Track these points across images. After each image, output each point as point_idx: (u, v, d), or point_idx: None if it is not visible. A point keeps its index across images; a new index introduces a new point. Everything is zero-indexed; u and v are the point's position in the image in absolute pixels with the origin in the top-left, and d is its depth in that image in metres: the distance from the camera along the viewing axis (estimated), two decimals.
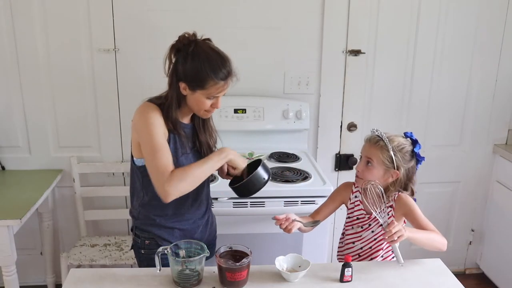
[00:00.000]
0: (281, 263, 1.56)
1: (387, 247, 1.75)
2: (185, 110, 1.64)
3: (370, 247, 1.76)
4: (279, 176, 2.26)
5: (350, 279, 1.53)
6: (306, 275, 1.54)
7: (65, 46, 2.49)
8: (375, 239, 1.75)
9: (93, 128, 2.63)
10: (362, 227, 1.77)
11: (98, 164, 2.64)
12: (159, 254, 1.49)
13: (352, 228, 1.80)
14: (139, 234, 1.71)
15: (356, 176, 1.75)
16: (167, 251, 1.47)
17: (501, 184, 2.88)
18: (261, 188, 1.66)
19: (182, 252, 1.50)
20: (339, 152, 2.84)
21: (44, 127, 2.60)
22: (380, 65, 2.71)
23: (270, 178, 1.69)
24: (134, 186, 1.70)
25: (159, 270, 1.51)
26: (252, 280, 1.51)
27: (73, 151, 2.63)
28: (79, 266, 2.41)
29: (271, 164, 2.43)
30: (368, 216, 1.76)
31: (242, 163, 1.66)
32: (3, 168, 2.63)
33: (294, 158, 2.54)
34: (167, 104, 1.58)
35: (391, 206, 1.72)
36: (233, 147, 2.56)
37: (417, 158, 1.74)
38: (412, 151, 1.72)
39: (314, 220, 1.78)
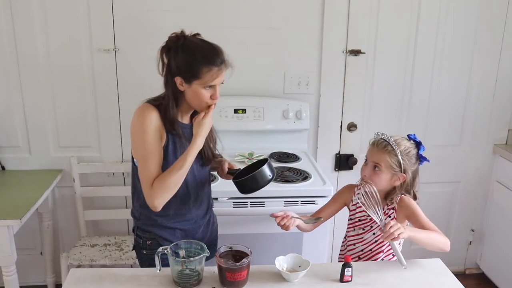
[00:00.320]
0: (281, 263, 1.56)
1: (388, 250, 1.75)
2: (184, 108, 1.64)
3: (371, 249, 1.77)
4: (279, 176, 2.26)
5: (350, 279, 1.53)
6: (306, 275, 1.54)
7: (65, 46, 2.49)
8: (376, 241, 1.75)
9: (93, 128, 2.63)
10: (363, 229, 1.77)
11: (98, 164, 2.64)
12: (159, 254, 1.50)
13: (354, 229, 1.80)
14: (141, 234, 1.71)
15: (362, 180, 1.74)
16: (167, 251, 1.47)
17: (501, 184, 2.88)
18: (264, 186, 1.65)
19: (182, 252, 1.50)
20: (339, 152, 2.84)
21: (44, 127, 2.60)
22: (380, 65, 2.71)
23: (274, 178, 1.68)
24: (135, 187, 1.70)
25: (159, 270, 1.51)
26: (252, 280, 1.51)
27: (73, 151, 2.63)
28: (79, 266, 2.41)
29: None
30: (370, 218, 1.75)
31: (209, 123, 1.60)
32: (3, 168, 2.63)
33: (294, 158, 2.54)
34: (164, 104, 1.59)
35: (393, 209, 1.72)
36: (233, 147, 2.60)
37: (421, 159, 1.75)
38: (417, 153, 1.73)
39: (316, 216, 1.78)
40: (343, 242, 1.88)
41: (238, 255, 1.50)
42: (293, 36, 2.62)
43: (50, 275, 2.75)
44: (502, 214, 2.87)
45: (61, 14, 2.45)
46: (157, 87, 1.67)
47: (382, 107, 2.79)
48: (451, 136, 2.90)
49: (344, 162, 2.85)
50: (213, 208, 1.89)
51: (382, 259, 1.76)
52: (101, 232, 2.79)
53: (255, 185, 1.64)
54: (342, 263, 1.54)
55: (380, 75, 2.73)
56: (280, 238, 2.14)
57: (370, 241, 1.76)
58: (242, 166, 1.78)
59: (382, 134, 1.72)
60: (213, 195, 1.94)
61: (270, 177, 1.65)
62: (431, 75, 2.76)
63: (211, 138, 1.74)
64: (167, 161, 1.60)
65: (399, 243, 1.71)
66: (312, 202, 2.15)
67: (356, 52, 2.67)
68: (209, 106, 1.61)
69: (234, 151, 2.56)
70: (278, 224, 1.66)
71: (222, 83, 1.61)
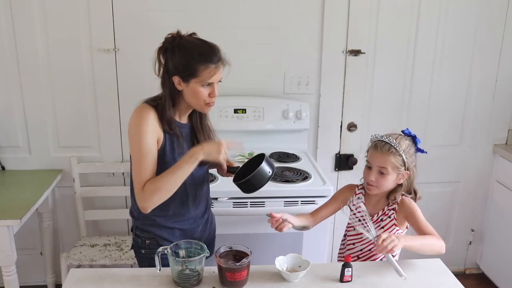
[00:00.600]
0: (281, 263, 1.56)
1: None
2: (182, 108, 1.64)
3: (370, 250, 1.77)
4: (279, 176, 2.26)
5: (350, 279, 1.53)
6: (306, 275, 1.54)
7: (65, 46, 2.49)
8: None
9: (93, 128, 2.63)
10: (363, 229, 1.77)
11: (98, 164, 2.64)
12: (159, 254, 1.49)
13: (354, 229, 1.80)
14: (140, 234, 1.71)
15: (369, 185, 1.73)
16: (167, 251, 1.47)
17: (501, 184, 2.88)
18: (266, 183, 1.63)
19: (182, 252, 1.50)
20: (339, 152, 2.84)
21: (44, 127, 2.60)
22: (380, 65, 2.71)
23: (274, 172, 1.66)
24: (133, 189, 1.69)
25: (159, 270, 1.51)
26: (252, 280, 1.51)
27: (73, 151, 2.63)
28: (79, 266, 2.41)
29: None
30: (370, 218, 1.75)
31: (218, 156, 1.57)
32: (3, 168, 2.63)
33: (294, 158, 2.54)
34: (161, 104, 1.59)
35: (394, 209, 1.73)
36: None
37: (419, 152, 1.77)
38: (415, 148, 1.75)
39: (303, 225, 1.80)
40: (342, 241, 1.89)
41: (238, 255, 1.50)
42: (293, 36, 2.62)
43: (50, 275, 2.75)
44: (502, 214, 2.87)
45: (61, 14, 2.45)
46: (157, 87, 1.67)
47: (382, 107, 2.79)
48: (451, 136, 2.90)
49: (344, 162, 2.85)
50: (212, 208, 1.89)
51: (381, 259, 1.76)
52: (101, 232, 2.79)
53: (257, 184, 1.62)
54: (342, 263, 1.54)
55: (380, 75, 2.73)
56: (280, 238, 2.14)
57: (369, 241, 1.76)
58: (241, 165, 1.77)
59: (381, 136, 1.73)
60: (213, 195, 1.94)
61: (270, 173, 1.63)
62: (431, 75, 2.76)
63: (209, 139, 1.74)
64: (165, 162, 1.60)
65: (394, 255, 1.67)
66: (312, 202, 2.15)
67: (356, 52, 2.67)
68: (222, 146, 1.58)
69: (234, 151, 2.55)
70: (272, 226, 1.69)
71: (220, 81, 1.62)
